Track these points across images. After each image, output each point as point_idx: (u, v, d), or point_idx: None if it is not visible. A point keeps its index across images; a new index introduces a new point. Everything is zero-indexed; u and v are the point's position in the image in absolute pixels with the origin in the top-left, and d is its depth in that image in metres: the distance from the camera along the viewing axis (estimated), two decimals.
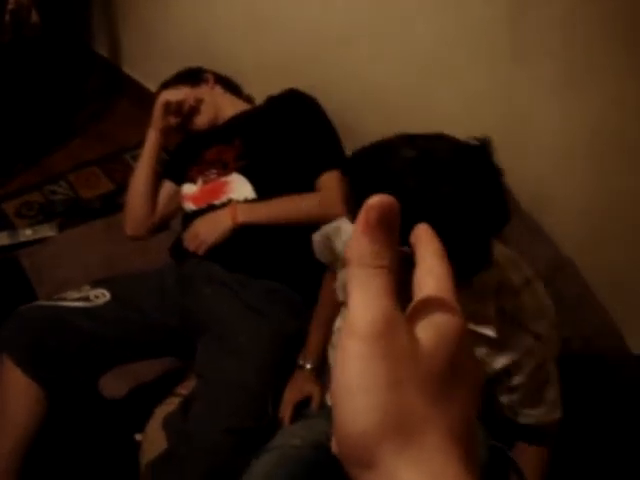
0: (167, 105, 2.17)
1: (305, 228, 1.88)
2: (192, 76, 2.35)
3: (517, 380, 1.35)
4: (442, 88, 1.85)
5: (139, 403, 1.79)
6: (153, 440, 1.67)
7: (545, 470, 1.49)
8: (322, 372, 1.71)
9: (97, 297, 1.78)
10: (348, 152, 2.18)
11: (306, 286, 1.90)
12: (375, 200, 0.36)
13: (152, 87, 3.02)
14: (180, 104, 2.19)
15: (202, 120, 2.27)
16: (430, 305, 0.38)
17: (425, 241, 0.41)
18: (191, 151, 2.25)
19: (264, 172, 2.05)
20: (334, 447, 0.35)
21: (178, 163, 2.28)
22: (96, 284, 1.85)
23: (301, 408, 1.66)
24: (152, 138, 2.21)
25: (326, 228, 1.65)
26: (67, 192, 2.69)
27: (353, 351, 0.34)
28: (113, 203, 2.55)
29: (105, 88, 3.35)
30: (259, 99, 2.41)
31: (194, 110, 2.25)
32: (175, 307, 1.85)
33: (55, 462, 1.73)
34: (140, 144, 2.27)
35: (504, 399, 1.41)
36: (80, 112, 3.17)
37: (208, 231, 1.93)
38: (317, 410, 1.62)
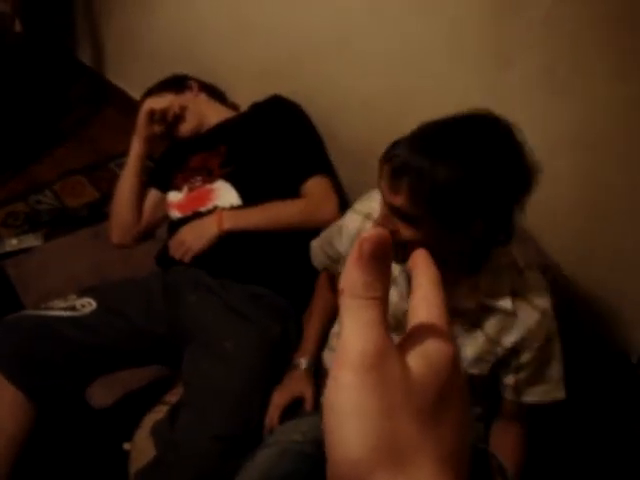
0: (151, 113, 2.17)
1: (291, 233, 1.89)
2: (176, 83, 2.35)
3: (525, 357, 1.41)
4: (427, 92, 1.85)
5: (127, 412, 1.79)
6: (142, 449, 1.67)
7: (526, 451, 1.54)
8: (318, 372, 1.71)
9: (83, 306, 1.78)
10: (332, 158, 2.21)
11: (292, 291, 1.91)
12: (369, 233, 0.37)
13: (137, 95, 3.01)
14: (164, 112, 2.19)
15: (186, 128, 2.27)
16: (422, 333, 0.38)
17: (421, 267, 0.42)
18: (176, 159, 2.25)
19: (249, 178, 2.05)
20: (328, 476, 0.35)
21: (163, 171, 2.28)
22: (82, 293, 1.84)
23: (294, 409, 1.65)
24: (136, 146, 2.21)
25: (327, 231, 1.68)
26: (52, 201, 2.68)
27: (345, 381, 0.34)
28: (99, 212, 2.54)
29: (89, 96, 3.35)
30: (244, 105, 2.42)
31: (179, 118, 2.24)
32: (162, 315, 1.85)
33: (43, 472, 1.72)
34: (125, 152, 2.26)
35: (510, 380, 1.45)
36: (64, 121, 3.17)
37: (194, 238, 1.93)
38: (310, 410, 1.61)
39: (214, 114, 2.32)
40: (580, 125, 1.58)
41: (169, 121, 2.22)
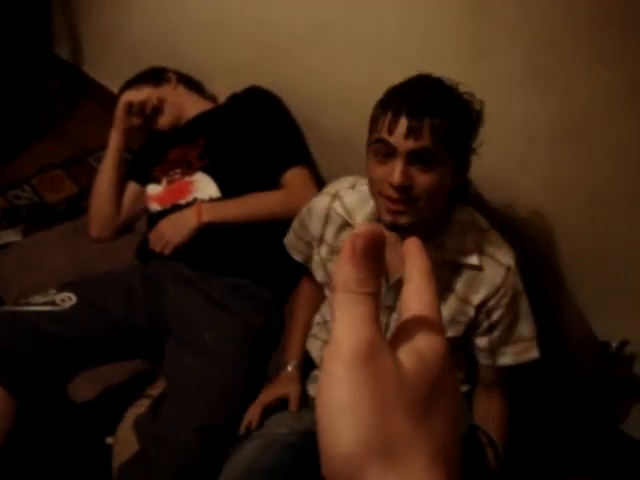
0: (129, 106, 2.16)
1: (271, 224, 1.89)
2: (154, 76, 2.33)
3: (496, 315, 1.43)
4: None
5: (109, 406, 1.79)
6: (124, 442, 1.67)
7: (509, 418, 1.56)
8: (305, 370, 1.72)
9: (63, 301, 1.77)
10: (311, 148, 2.21)
11: (273, 282, 1.91)
12: (362, 229, 0.37)
13: (115, 88, 2.98)
14: (142, 104, 2.18)
15: (165, 120, 2.26)
16: (413, 328, 0.39)
17: (413, 257, 0.42)
18: (155, 151, 2.24)
19: (228, 170, 2.05)
20: (322, 470, 0.35)
21: (142, 164, 2.27)
22: (62, 288, 1.83)
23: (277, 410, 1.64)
24: (114, 139, 2.20)
25: (297, 219, 1.70)
26: (31, 196, 2.65)
27: (337, 375, 0.34)
28: (78, 206, 2.52)
29: (67, 90, 3.32)
30: (223, 96, 2.41)
31: (157, 110, 2.23)
32: (142, 308, 1.84)
33: (26, 468, 1.71)
34: (104, 146, 2.25)
35: (484, 342, 1.48)
36: (42, 115, 3.14)
37: (173, 231, 1.93)
38: (295, 411, 1.60)
39: (193, 106, 2.31)
40: (559, 115, 1.59)
41: (148, 114, 2.21)
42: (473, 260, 1.40)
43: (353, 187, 1.56)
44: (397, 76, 1.32)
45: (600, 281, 1.71)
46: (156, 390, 1.75)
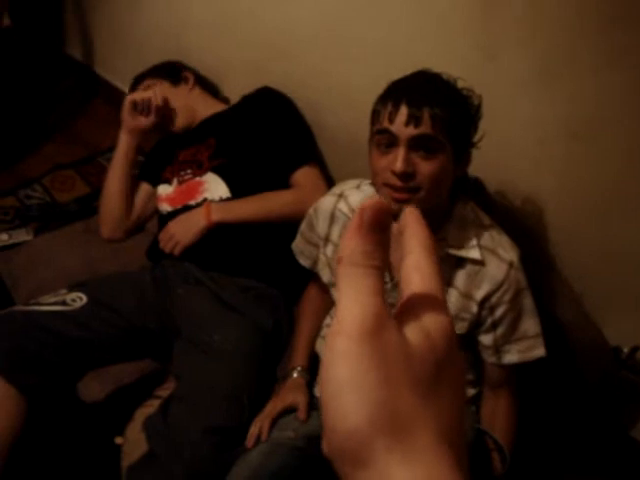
0: (133, 104, 2.16)
1: (281, 225, 1.89)
2: (172, 73, 2.34)
3: (499, 312, 1.44)
4: None
5: (119, 406, 1.79)
6: (134, 443, 1.67)
7: (517, 418, 1.56)
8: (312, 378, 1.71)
9: (74, 301, 1.77)
10: (320, 147, 2.21)
11: (283, 282, 1.91)
12: (369, 202, 0.36)
13: (126, 88, 3.00)
14: (147, 103, 2.18)
15: (179, 122, 2.26)
16: (417, 304, 0.38)
17: (413, 228, 0.41)
18: (166, 152, 2.24)
19: (238, 171, 2.05)
20: (324, 447, 0.34)
21: (153, 165, 2.27)
22: (73, 288, 1.84)
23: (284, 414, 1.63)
24: (122, 139, 2.20)
25: (304, 221, 1.71)
26: (42, 196, 2.65)
27: (342, 349, 0.33)
28: (89, 206, 2.52)
29: (79, 90, 3.32)
30: (231, 96, 2.41)
31: (166, 111, 2.23)
32: (152, 309, 1.85)
33: (36, 467, 1.72)
34: (115, 146, 2.24)
35: (488, 339, 1.48)
36: (54, 115, 3.14)
37: (183, 232, 1.93)
38: (304, 420, 1.58)
39: (206, 108, 2.31)
40: (569, 116, 1.58)
41: (154, 112, 2.19)
42: (475, 254, 1.41)
43: (358, 187, 1.58)
44: None
45: (612, 284, 1.70)
46: (165, 391, 1.75)
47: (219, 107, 2.34)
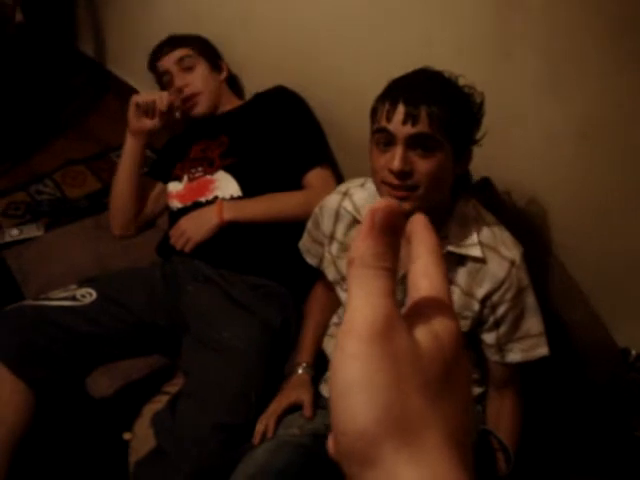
0: (136, 107, 2.13)
1: (291, 224, 1.89)
2: (213, 57, 2.37)
3: (501, 310, 1.43)
4: None
5: (127, 402, 1.79)
6: (142, 438, 1.67)
7: (522, 417, 1.55)
8: (317, 375, 1.71)
9: (84, 296, 1.78)
10: (332, 147, 2.21)
11: (293, 281, 1.91)
12: (381, 203, 0.36)
13: (138, 85, 3.01)
14: (152, 105, 2.11)
15: (204, 107, 2.27)
16: (426, 308, 0.38)
17: (421, 234, 0.41)
18: (177, 149, 2.24)
19: (250, 170, 2.05)
20: (331, 447, 0.35)
21: (164, 162, 2.27)
22: (83, 283, 1.85)
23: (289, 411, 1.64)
24: (128, 141, 2.17)
25: (310, 219, 1.71)
26: (53, 191, 2.67)
27: (352, 350, 0.34)
28: (100, 202, 2.53)
29: (90, 86, 3.34)
30: (246, 94, 2.41)
31: (198, 95, 2.25)
32: (162, 305, 1.85)
33: (44, 462, 1.72)
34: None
35: (491, 338, 1.47)
36: (65, 111, 3.16)
37: (194, 229, 1.93)
38: (310, 417, 1.59)
39: (226, 103, 2.32)
40: (579, 117, 1.58)
41: (159, 117, 2.13)
42: (476, 252, 1.40)
43: (363, 185, 1.59)
44: None
45: (619, 286, 1.70)
46: (174, 387, 1.75)
47: (236, 104, 2.35)
